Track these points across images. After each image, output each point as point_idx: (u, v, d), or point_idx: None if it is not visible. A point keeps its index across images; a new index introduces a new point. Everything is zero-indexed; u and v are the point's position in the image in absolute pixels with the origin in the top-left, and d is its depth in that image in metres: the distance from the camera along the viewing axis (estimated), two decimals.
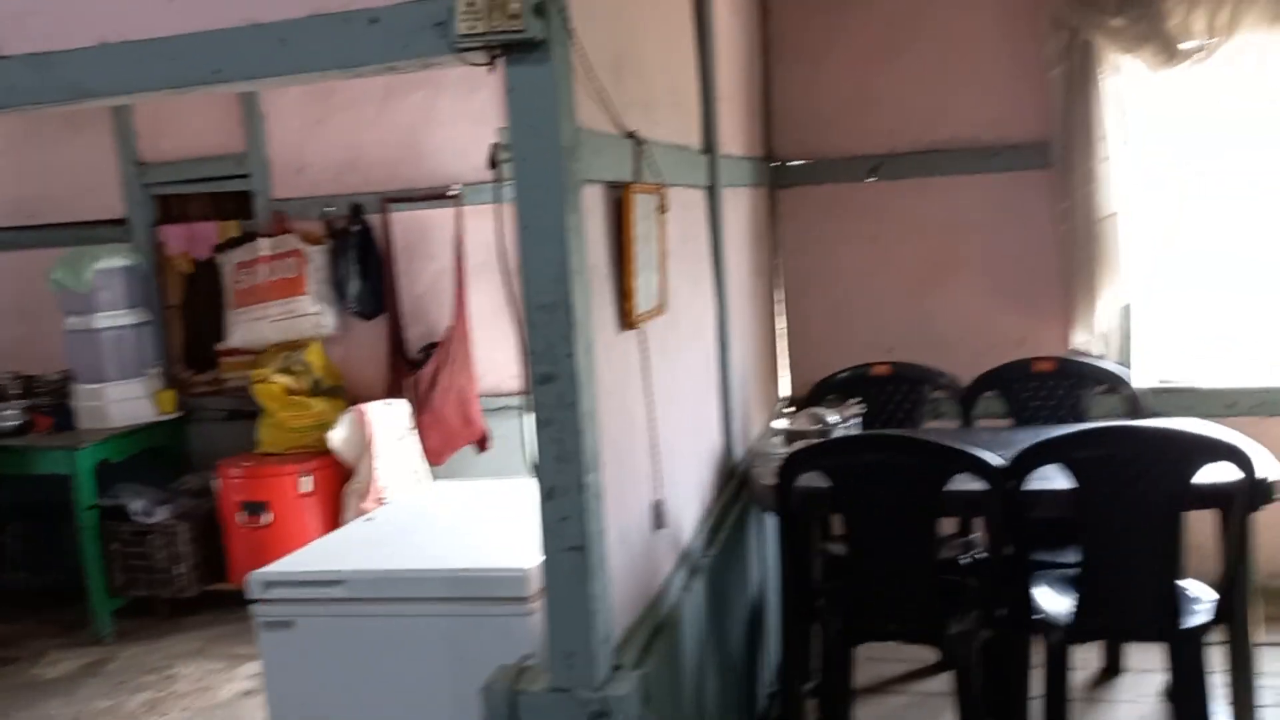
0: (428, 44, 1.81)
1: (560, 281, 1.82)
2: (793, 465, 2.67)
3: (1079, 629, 2.62)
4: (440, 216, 4.72)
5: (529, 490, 1.98)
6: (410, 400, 4.67)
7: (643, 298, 2.29)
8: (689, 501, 2.73)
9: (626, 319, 2.22)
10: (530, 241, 1.83)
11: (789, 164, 4.49)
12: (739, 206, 3.70)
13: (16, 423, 4.72)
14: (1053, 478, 2.55)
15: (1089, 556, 2.57)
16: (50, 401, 4.90)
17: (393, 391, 4.73)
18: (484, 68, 1.82)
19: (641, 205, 2.29)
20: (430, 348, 4.76)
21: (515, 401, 4.83)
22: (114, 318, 4.84)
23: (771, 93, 4.46)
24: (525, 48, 1.77)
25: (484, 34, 1.74)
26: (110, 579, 4.64)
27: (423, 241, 4.81)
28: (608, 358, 2.09)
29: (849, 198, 4.46)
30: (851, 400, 3.28)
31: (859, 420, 3.27)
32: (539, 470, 1.89)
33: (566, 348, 1.83)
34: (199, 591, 4.71)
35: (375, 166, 4.80)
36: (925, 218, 4.36)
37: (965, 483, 2.57)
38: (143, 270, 5.02)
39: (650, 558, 2.33)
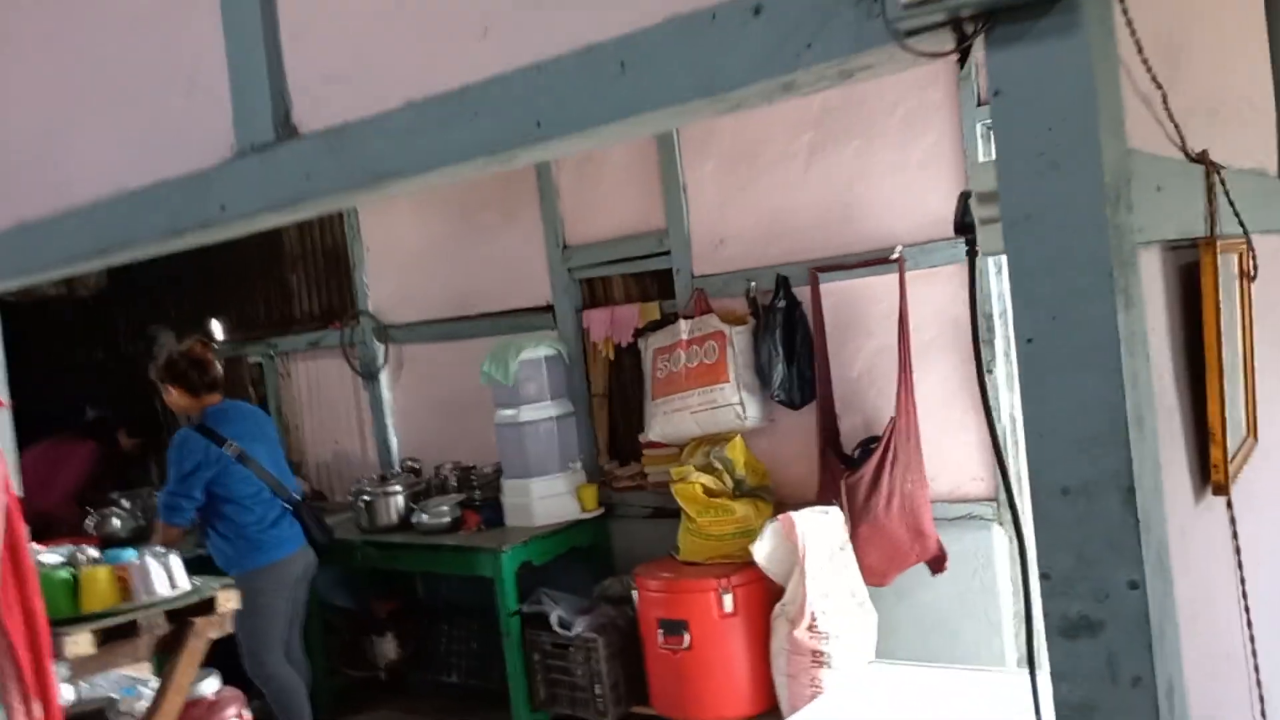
0: (848, 33, 1.06)
1: (1109, 442, 0.95)
2: None
3: None
4: (879, 285, 3.95)
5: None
6: (846, 506, 3.90)
7: (1231, 434, 1.32)
8: None
9: (1212, 477, 1.27)
10: (1041, 369, 0.99)
11: None
12: None
13: (448, 519, 4.64)
14: None
15: None
16: (483, 497, 4.79)
17: (825, 495, 3.99)
18: (947, 57, 1.03)
19: (1223, 275, 1.34)
20: (870, 442, 3.97)
21: (979, 509, 3.88)
22: (538, 410, 4.64)
23: None
24: (1029, 12, 0.94)
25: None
26: (532, 691, 4.36)
27: (858, 316, 4.06)
28: (1182, 554, 1.15)
29: None
30: None
31: None
32: None
33: (1125, 570, 0.95)
34: (621, 715, 4.25)
35: (801, 233, 4.15)
36: None
37: None
38: (567, 359, 4.79)
39: None
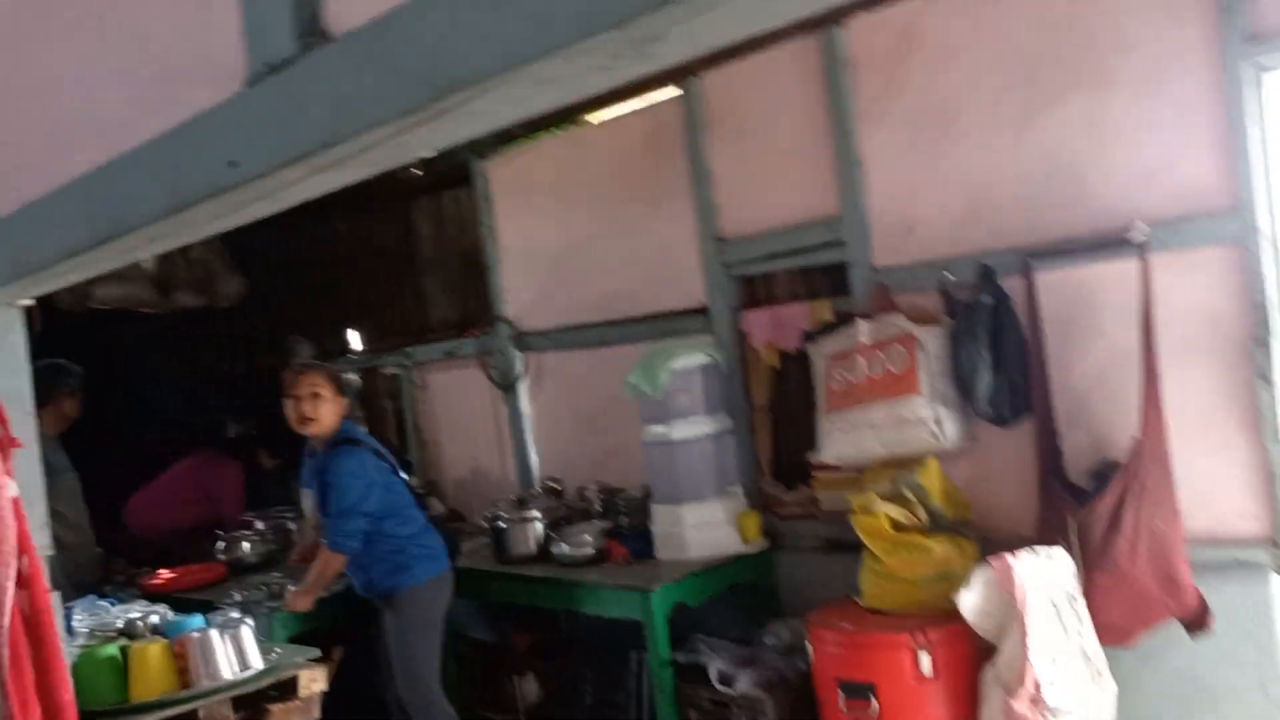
0: None
1: None
2: None
3: None
4: (1113, 274, 3.20)
5: None
6: (1076, 548, 3.15)
7: None
8: None
9: None
10: None
11: None
12: None
13: (591, 550, 4.10)
14: None
15: None
16: (630, 524, 4.24)
17: (1047, 533, 3.25)
18: None
19: None
20: (1105, 469, 3.21)
21: (1252, 555, 3.07)
22: (691, 426, 4.05)
23: None
24: None
25: None
26: None
27: (1086, 312, 3.31)
28: None
29: None
30: None
31: None
32: None
33: None
34: None
35: (1012, 212, 3.42)
36: None
37: None
38: (724, 367, 4.18)
39: None
